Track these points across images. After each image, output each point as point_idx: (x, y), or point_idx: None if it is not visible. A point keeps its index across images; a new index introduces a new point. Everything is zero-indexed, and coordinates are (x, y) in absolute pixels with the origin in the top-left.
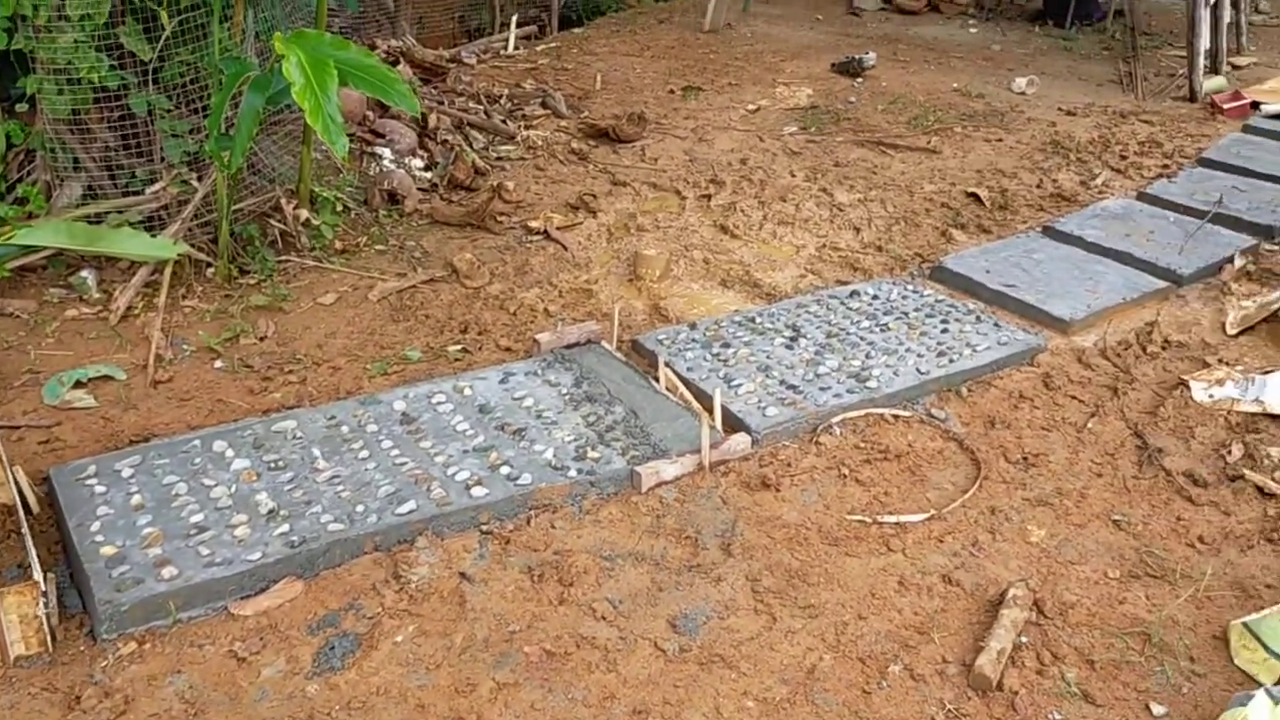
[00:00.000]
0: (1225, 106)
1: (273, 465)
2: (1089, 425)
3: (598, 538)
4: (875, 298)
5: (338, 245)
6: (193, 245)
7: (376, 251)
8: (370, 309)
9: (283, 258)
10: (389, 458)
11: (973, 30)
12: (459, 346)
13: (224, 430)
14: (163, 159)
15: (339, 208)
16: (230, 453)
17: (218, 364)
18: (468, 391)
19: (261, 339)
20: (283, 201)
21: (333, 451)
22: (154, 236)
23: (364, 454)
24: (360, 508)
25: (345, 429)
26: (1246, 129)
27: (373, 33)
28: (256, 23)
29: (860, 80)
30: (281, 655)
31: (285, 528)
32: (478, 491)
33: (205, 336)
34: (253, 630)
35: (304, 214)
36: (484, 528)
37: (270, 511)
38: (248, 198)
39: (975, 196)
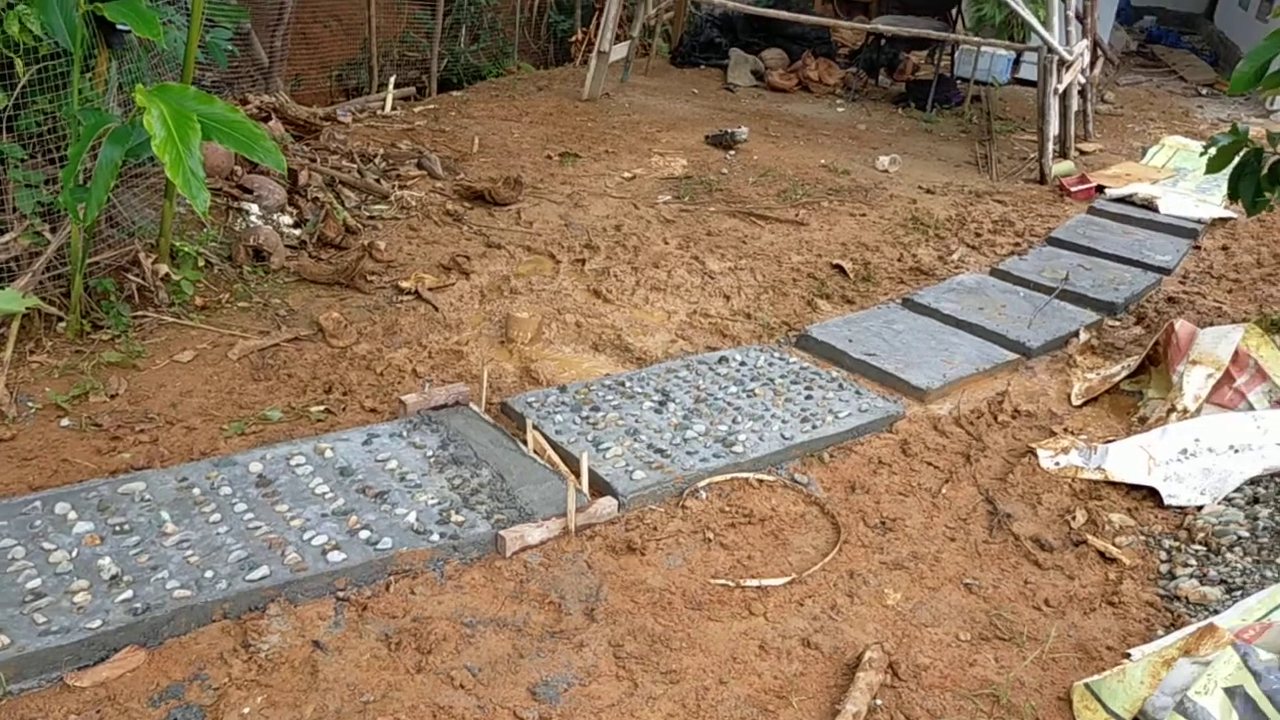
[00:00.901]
0: (1073, 189)
1: (118, 529)
2: (943, 491)
3: (459, 604)
4: (743, 364)
5: (198, 301)
6: (44, 299)
7: (239, 309)
8: (230, 367)
9: (139, 313)
10: (242, 521)
11: (840, 110)
12: (322, 407)
13: (67, 491)
14: (14, 209)
15: (201, 263)
16: (73, 515)
17: (64, 422)
18: (329, 453)
19: (112, 397)
20: (141, 256)
21: (183, 515)
22: (1, 289)
23: (216, 517)
24: (209, 573)
25: (197, 491)
26: (1092, 211)
27: (246, 88)
28: (120, 74)
29: (733, 153)
30: None
31: (128, 594)
32: (335, 556)
33: (52, 393)
34: (89, 702)
35: (163, 269)
36: (340, 594)
37: (113, 577)
38: (105, 251)
39: (840, 268)
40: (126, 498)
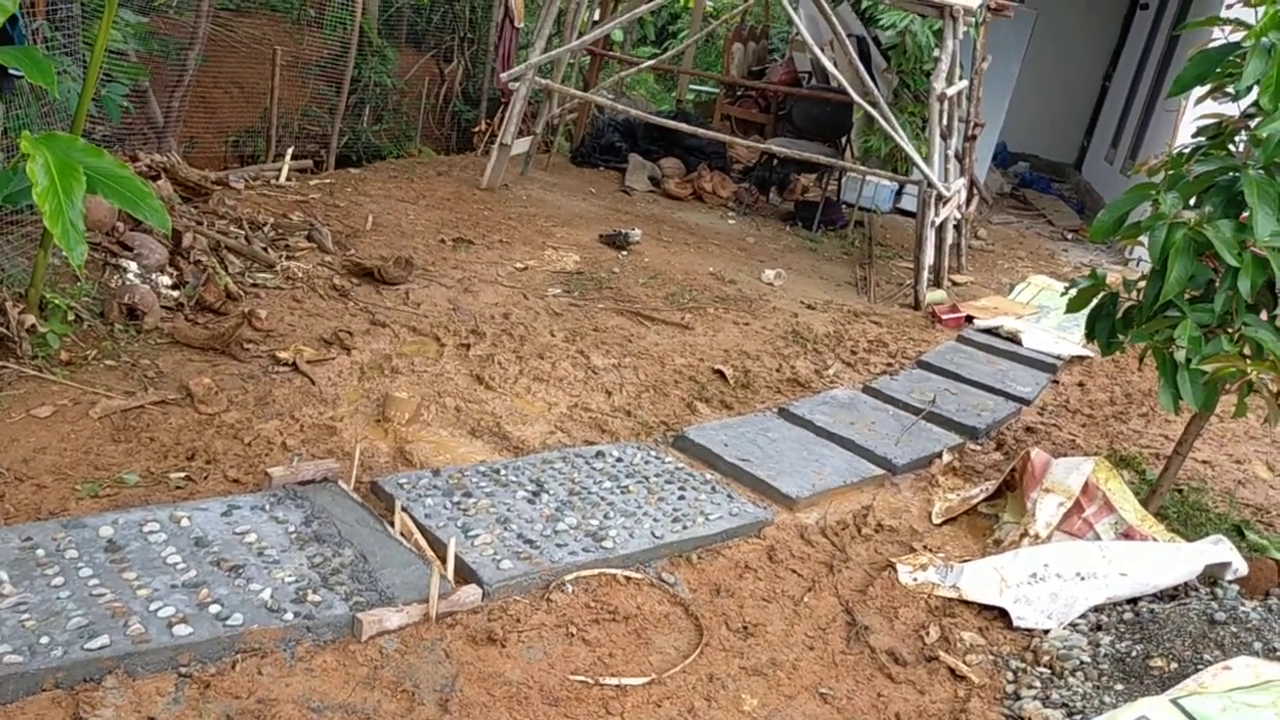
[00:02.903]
0: (944, 317)
1: None
2: (805, 599)
3: (308, 687)
4: (619, 460)
5: (63, 356)
6: None
7: (106, 367)
8: (89, 426)
9: None
10: (86, 587)
11: (731, 222)
12: (183, 474)
13: None
14: None
15: (71, 317)
16: None
17: None
18: (185, 522)
19: None
20: (8, 304)
21: (23, 576)
22: None
23: (59, 581)
24: (45, 639)
25: (41, 552)
26: (960, 339)
27: (138, 144)
28: (6, 119)
29: (625, 253)
30: None
31: None
32: (180, 630)
33: None
34: None
35: (30, 320)
36: (183, 670)
37: None
38: None
39: (721, 373)
40: None
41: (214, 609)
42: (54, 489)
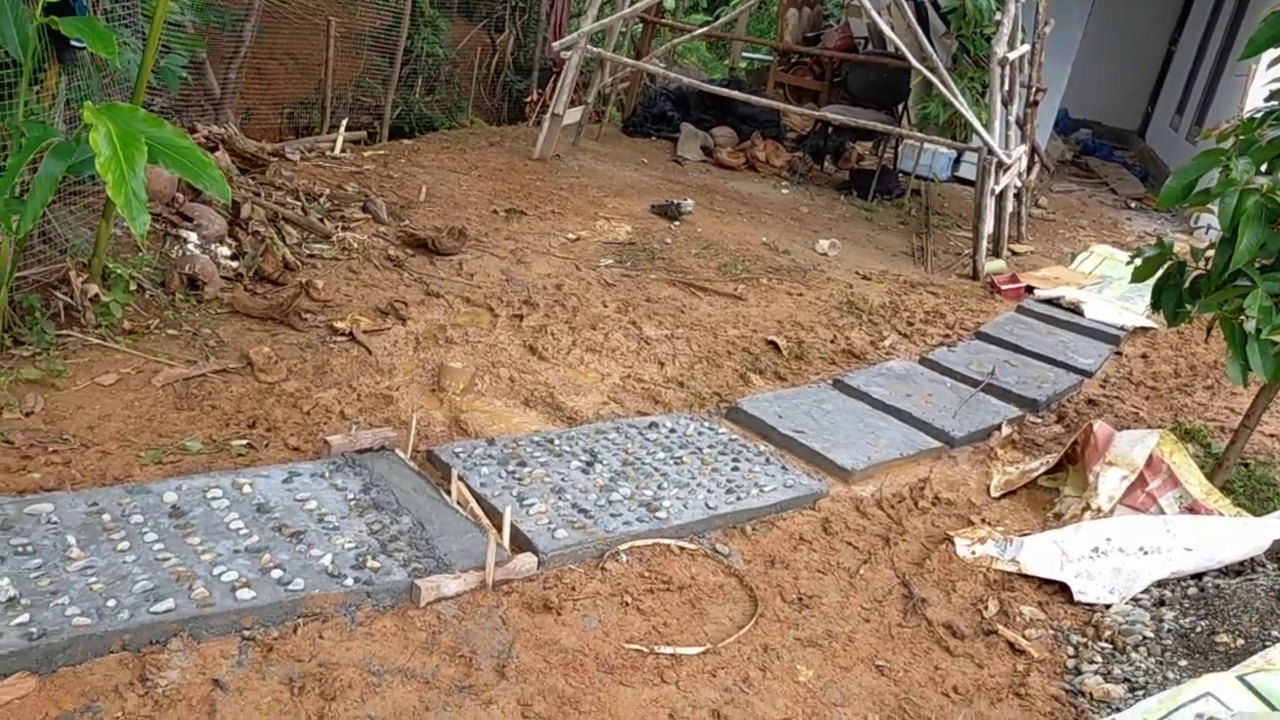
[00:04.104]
0: (1003, 287)
1: (20, 550)
2: (861, 571)
3: (368, 651)
4: (673, 431)
5: (126, 325)
6: None
7: (168, 336)
8: (152, 394)
9: (64, 332)
10: (151, 552)
11: (785, 191)
12: (244, 441)
13: None
14: None
15: (133, 287)
16: None
17: None
18: (247, 489)
19: (27, 414)
20: (72, 274)
21: (90, 540)
22: None
23: (124, 545)
24: (112, 602)
25: (107, 517)
26: (1020, 310)
27: (195, 116)
28: (69, 90)
29: (677, 224)
30: None
31: (24, 617)
32: (244, 594)
33: None
34: None
35: (93, 289)
36: (246, 633)
37: (10, 599)
38: (34, 266)
39: (774, 345)
40: (33, 518)
41: (276, 574)
42: (119, 455)
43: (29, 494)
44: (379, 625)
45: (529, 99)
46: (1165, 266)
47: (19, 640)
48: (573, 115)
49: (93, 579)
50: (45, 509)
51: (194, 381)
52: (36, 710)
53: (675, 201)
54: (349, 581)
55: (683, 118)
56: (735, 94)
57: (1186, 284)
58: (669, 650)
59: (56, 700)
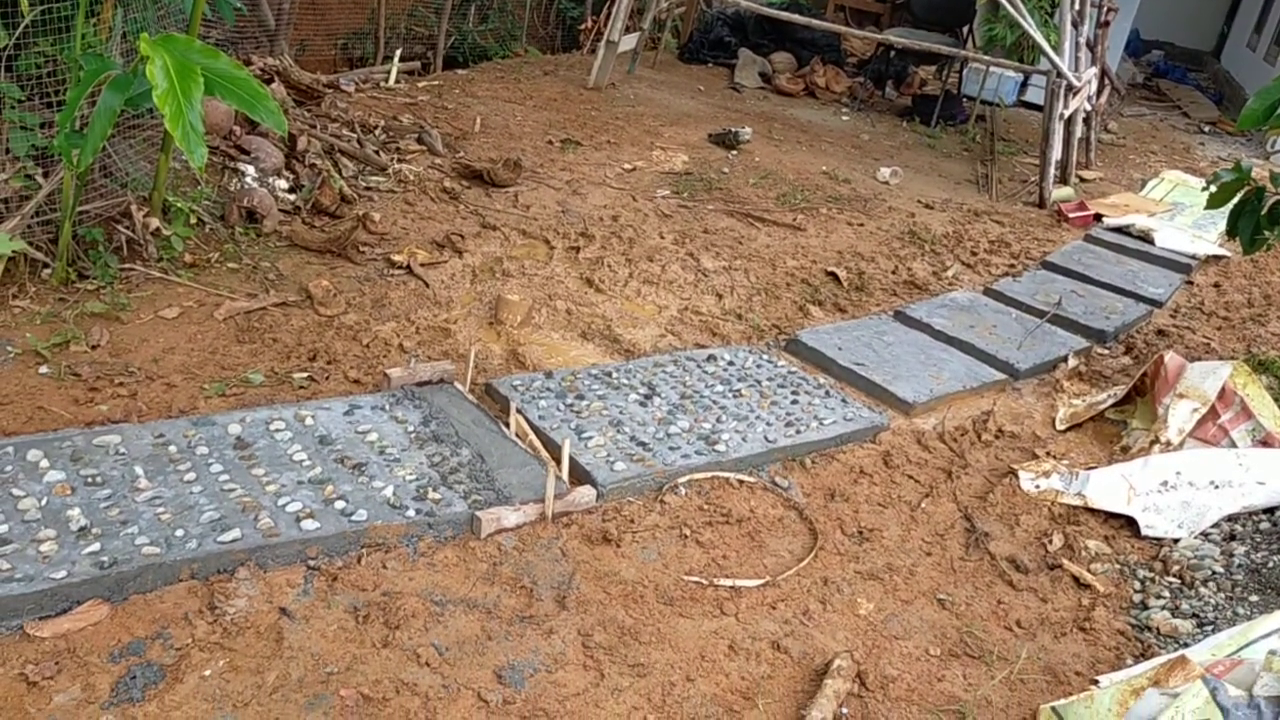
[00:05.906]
0: (1071, 215)
1: (90, 480)
2: (922, 505)
3: (430, 581)
4: (731, 364)
5: (187, 259)
6: (30, 243)
7: (228, 269)
8: (214, 327)
9: (127, 266)
10: (217, 482)
11: (845, 118)
12: (305, 374)
13: (41, 439)
14: (7, 151)
15: (193, 220)
16: (45, 463)
17: (43, 369)
18: (309, 421)
19: (94, 347)
20: (133, 208)
21: (157, 471)
22: None
23: (190, 476)
24: (180, 532)
25: (173, 449)
26: (1088, 238)
27: (250, 49)
28: (125, 22)
29: (735, 153)
30: (77, 682)
31: (96, 547)
32: (308, 524)
33: (32, 339)
34: (49, 653)
35: (154, 223)
36: (311, 563)
37: (82, 529)
38: (96, 200)
39: (834, 276)
40: (101, 450)
41: (339, 505)
42: (183, 388)
43: (97, 425)
44: (440, 556)
45: (583, 27)
46: (1242, 192)
47: (91, 569)
48: (628, 42)
49: (161, 509)
50: (113, 440)
51: (255, 315)
52: (110, 636)
53: (733, 130)
54: (410, 513)
55: (740, 43)
56: (794, 18)
57: (1265, 210)
58: (728, 582)
59: (129, 627)
